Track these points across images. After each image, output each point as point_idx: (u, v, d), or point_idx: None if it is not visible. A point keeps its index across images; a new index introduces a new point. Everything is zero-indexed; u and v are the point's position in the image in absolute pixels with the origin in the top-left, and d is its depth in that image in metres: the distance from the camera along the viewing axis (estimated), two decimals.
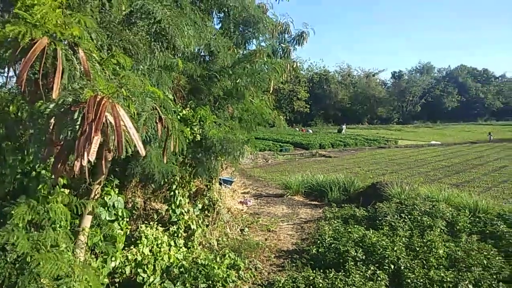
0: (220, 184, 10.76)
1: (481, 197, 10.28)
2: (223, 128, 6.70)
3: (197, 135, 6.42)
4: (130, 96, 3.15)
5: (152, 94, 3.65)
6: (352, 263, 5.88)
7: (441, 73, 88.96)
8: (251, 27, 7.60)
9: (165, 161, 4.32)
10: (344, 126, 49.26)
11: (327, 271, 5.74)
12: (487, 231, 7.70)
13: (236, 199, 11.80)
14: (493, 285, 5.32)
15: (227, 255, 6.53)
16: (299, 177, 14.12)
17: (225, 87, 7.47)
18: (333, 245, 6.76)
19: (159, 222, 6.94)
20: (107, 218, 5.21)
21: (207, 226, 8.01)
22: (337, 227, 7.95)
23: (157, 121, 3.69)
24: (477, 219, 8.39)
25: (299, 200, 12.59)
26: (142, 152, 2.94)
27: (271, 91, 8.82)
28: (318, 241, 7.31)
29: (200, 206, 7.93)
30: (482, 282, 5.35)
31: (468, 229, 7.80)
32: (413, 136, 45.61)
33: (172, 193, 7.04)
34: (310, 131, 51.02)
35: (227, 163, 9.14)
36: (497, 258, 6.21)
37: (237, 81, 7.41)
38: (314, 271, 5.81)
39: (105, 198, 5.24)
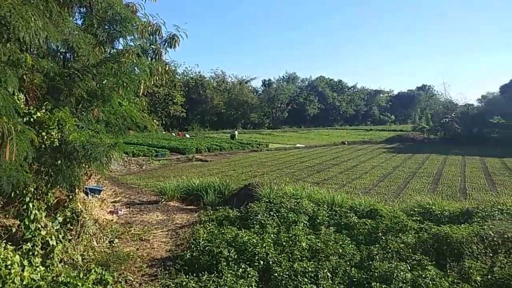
0: (86, 193, 9.88)
1: (337, 193, 11.56)
2: (86, 132, 6.16)
3: (55, 139, 5.77)
4: None
5: None
6: (225, 263, 6.01)
7: (304, 82, 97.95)
8: (117, 25, 7.17)
9: None
10: (236, 132, 49.53)
11: (201, 275, 5.74)
12: (342, 223, 8.70)
13: (105, 209, 10.98)
14: (347, 270, 6.02)
15: (93, 270, 5.99)
16: (175, 182, 13.89)
17: (89, 88, 6.88)
18: (207, 247, 6.80)
19: (10, 240, 6.02)
20: None
21: (69, 240, 7.24)
22: (212, 230, 8.03)
23: None
24: (334, 212, 9.40)
25: (174, 205, 12.36)
26: None
27: (141, 94, 8.47)
28: (193, 246, 7.27)
29: (60, 219, 7.14)
30: (339, 269, 6.00)
31: (327, 222, 8.70)
32: (281, 139, 49.03)
33: (25, 206, 6.17)
34: (187, 135, 50.68)
35: (93, 170, 8.44)
36: (350, 246, 7.06)
37: (103, 81, 6.91)
38: (188, 276, 5.76)
39: None
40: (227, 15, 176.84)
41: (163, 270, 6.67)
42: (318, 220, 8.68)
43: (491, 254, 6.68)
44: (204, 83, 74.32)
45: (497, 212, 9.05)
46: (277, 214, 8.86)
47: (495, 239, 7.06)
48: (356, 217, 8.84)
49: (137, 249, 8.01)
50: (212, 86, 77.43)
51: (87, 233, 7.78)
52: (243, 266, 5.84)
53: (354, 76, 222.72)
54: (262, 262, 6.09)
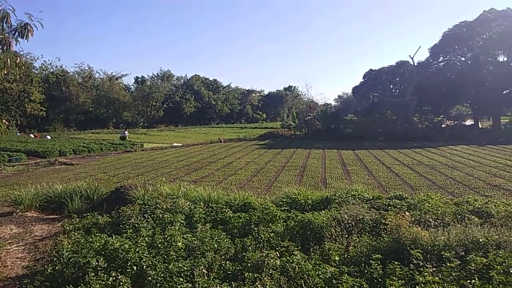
0: None
1: (214, 190, 11.77)
2: None
3: None
4: None
5: None
6: (93, 273, 5.56)
7: (180, 81, 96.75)
8: None
9: None
10: (126, 132, 44.84)
11: None
12: (218, 218, 8.87)
13: None
14: (223, 264, 6.15)
15: None
16: (33, 189, 12.31)
17: None
18: (72, 259, 6.19)
19: None
20: None
21: None
22: (78, 239, 7.35)
23: None
24: (211, 209, 9.53)
25: (33, 216, 10.96)
26: None
27: None
28: (55, 258, 6.55)
29: None
30: (214, 264, 6.09)
31: (203, 219, 8.77)
32: (157, 139, 47.70)
33: None
34: (48, 137, 45.38)
35: None
36: (225, 240, 7.23)
37: None
38: None
39: None
40: (96, 8, 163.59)
41: None
42: (194, 218, 8.70)
43: (346, 235, 7.60)
44: (67, 79, 67.42)
45: (350, 197, 10.38)
46: (152, 216, 8.60)
47: (349, 221, 8.07)
48: (231, 212, 9.11)
49: None
50: (77, 82, 70.78)
51: None
52: (114, 274, 5.47)
53: (228, 76, 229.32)
54: (135, 268, 5.82)
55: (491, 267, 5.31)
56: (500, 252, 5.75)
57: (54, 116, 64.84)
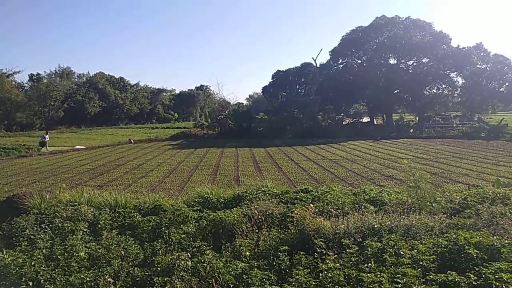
0: None
1: (121, 194, 11.22)
2: None
3: None
4: None
5: None
6: None
7: (82, 78, 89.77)
8: None
9: None
10: (47, 137, 37.73)
11: None
12: (126, 223, 8.48)
13: None
14: (131, 271, 5.89)
15: None
16: None
17: None
18: None
19: None
20: None
21: None
22: None
23: None
24: (117, 214, 9.08)
25: None
26: None
27: None
28: None
29: None
30: (121, 272, 5.79)
31: (109, 225, 8.32)
32: (57, 142, 43.72)
33: None
34: None
35: None
36: (134, 246, 6.92)
37: None
38: None
39: None
40: None
41: None
42: (99, 225, 8.21)
43: (257, 231, 7.83)
44: None
45: (261, 194, 10.71)
46: (50, 225, 7.90)
47: (259, 217, 8.33)
48: (140, 216, 8.78)
49: None
50: None
51: None
52: None
53: (135, 75, 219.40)
54: (31, 283, 5.28)
55: (385, 250, 5.90)
56: (392, 236, 6.41)
57: None
